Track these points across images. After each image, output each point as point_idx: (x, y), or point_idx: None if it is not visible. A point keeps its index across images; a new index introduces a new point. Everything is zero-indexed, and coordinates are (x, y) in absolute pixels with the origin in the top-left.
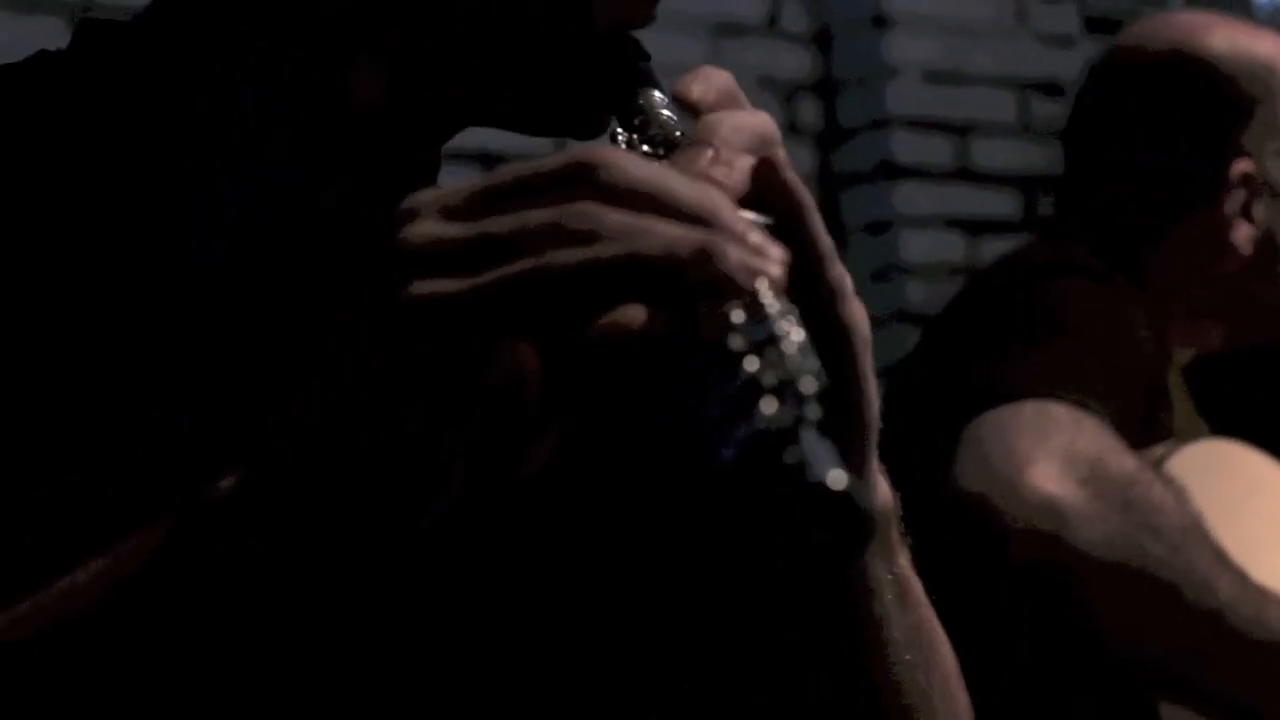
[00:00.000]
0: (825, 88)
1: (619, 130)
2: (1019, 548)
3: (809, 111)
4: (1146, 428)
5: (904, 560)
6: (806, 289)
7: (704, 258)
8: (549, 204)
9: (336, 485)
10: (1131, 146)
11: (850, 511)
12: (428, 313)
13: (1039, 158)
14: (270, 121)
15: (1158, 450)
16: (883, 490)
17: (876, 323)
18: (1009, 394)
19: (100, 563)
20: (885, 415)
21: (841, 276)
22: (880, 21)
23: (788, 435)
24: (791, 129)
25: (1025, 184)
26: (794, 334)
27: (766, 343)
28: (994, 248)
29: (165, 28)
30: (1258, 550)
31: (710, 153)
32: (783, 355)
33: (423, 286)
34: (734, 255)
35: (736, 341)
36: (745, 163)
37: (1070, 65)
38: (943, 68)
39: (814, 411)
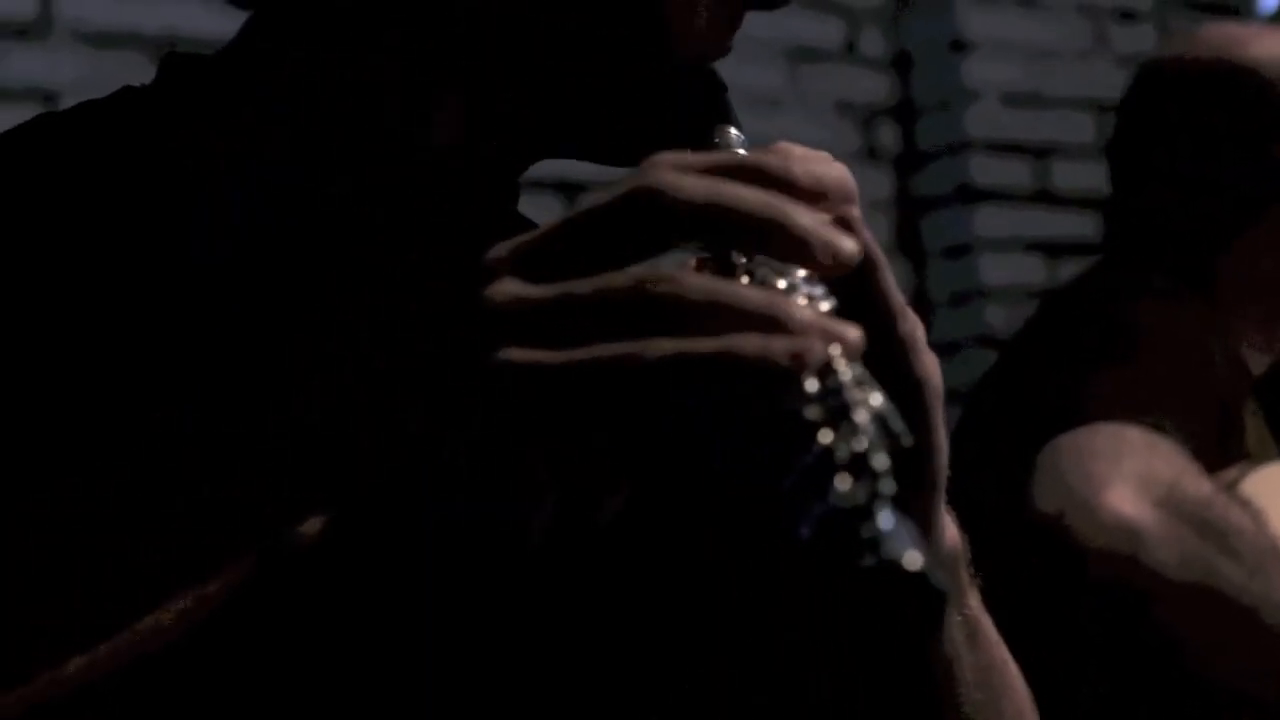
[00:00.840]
0: (904, 112)
1: None
2: (1095, 569)
3: (887, 136)
4: (1221, 450)
5: (974, 601)
6: (879, 343)
7: (799, 364)
8: (626, 251)
9: (415, 527)
10: (1178, 158)
11: (925, 591)
12: (514, 379)
13: None
14: (351, 157)
15: (1231, 473)
16: (951, 532)
17: (957, 347)
18: (1084, 417)
19: (181, 605)
20: (961, 437)
21: (913, 331)
22: (958, 45)
23: (863, 513)
24: (870, 154)
25: (1105, 205)
26: (870, 402)
27: (841, 413)
28: (1074, 270)
29: (251, 62)
30: None
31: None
32: (856, 427)
33: (510, 353)
34: (806, 321)
35: (812, 411)
36: (818, 167)
37: None
38: (1021, 90)
39: (889, 487)
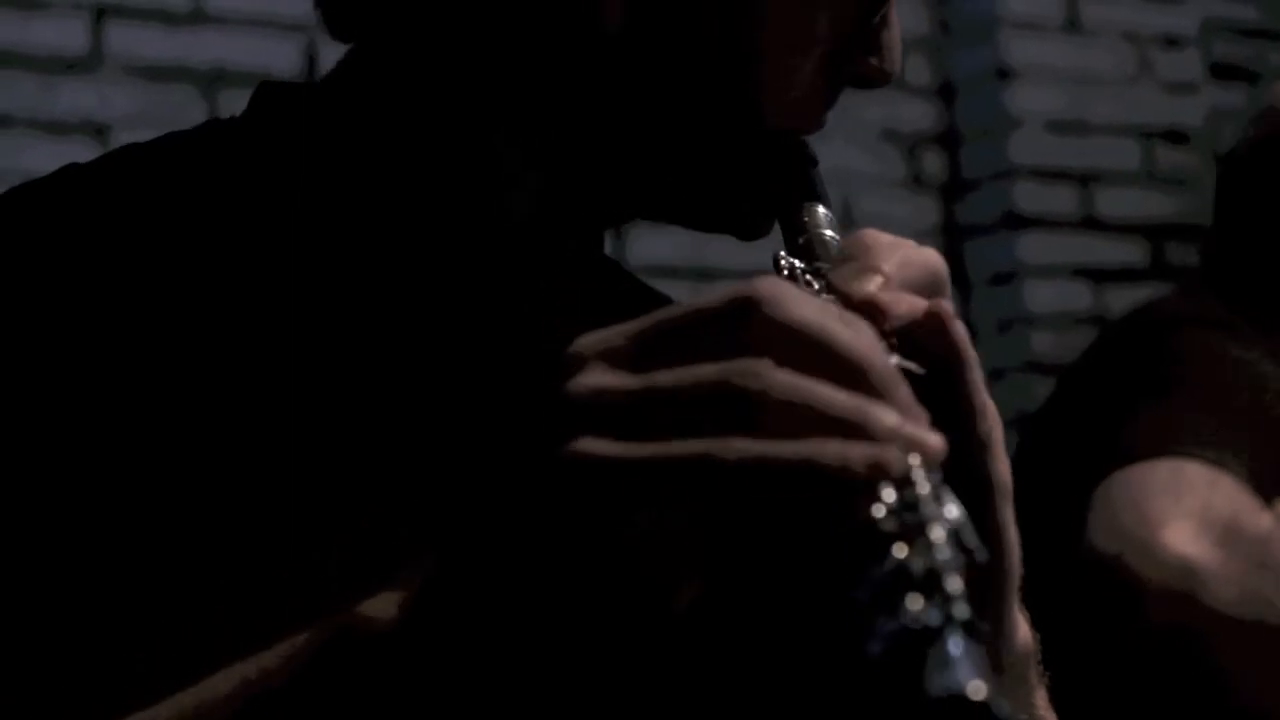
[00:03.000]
0: (949, 139)
1: (783, 255)
2: (1154, 608)
3: (933, 163)
4: None
5: (1041, 698)
6: (956, 439)
7: (877, 471)
8: (714, 352)
9: (488, 624)
10: (1276, 200)
11: None
12: (591, 472)
13: (1164, 205)
14: (436, 221)
15: None
16: (1024, 631)
17: (1003, 374)
18: (1142, 452)
19: (244, 669)
20: (1016, 470)
21: (991, 431)
22: (1003, 73)
23: (933, 635)
24: (915, 181)
25: (1151, 232)
26: (946, 515)
27: (917, 527)
28: (1121, 296)
29: (345, 102)
30: None
31: (879, 281)
32: (931, 544)
33: (587, 445)
34: (888, 428)
35: (888, 524)
36: (911, 302)
37: (1194, 112)
38: (1066, 117)
39: (961, 611)
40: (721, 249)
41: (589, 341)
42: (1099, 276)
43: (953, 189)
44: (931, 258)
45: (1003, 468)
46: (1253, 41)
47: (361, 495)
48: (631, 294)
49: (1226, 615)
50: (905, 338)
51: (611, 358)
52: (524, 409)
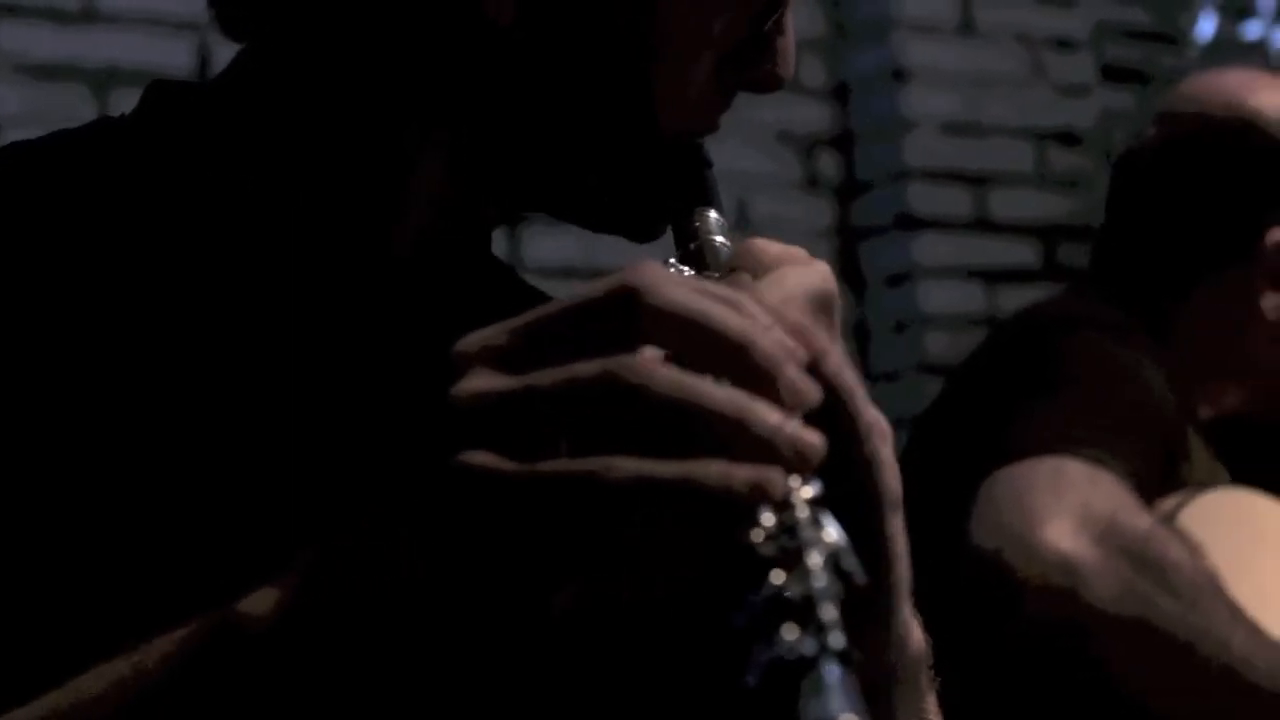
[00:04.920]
0: (843, 141)
1: (672, 262)
2: (1034, 604)
3: (827, 165)
4: (1165, 483)
5: (930, 703)
6: (842, 457)
7: (758, 493)
8: (597, 346)
9: (378, 627)
10: (1174, 204)
11: None
12: (474, 483)
13: (1057, 207)
14: (329, 220)
15: (1171, 501)
16: (915, 637)
17: (897, 375)
18: (1024, 450)
19: (120, 667)
20: (904, 469)
21: (876, 450)
22: (898, 75)
23: (808, 665)
24: (810, 182)
25: (1044, 233)
26: (825, 539)
27: (795, 552)
28: (1013, 297)
29: (238, 100)
30: (1272, 599)
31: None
32: (809, 571)
33: (473, 457)
34: (770, 427)
35: (767, 548)
36: (795, 320)
37: (1086, 114)
38: (960, 119)
39: (836, 640)
40: (615, 249)
41: (471, 341)
42: (992, 277)
43: (847, 190)
44: (815, 278)
45: (891, 479)
46: (1144, 44)
47: (242, 494)
48: (522, 296)
49: (1105, 612)
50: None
51: (493, 357)
52: (409, 412)
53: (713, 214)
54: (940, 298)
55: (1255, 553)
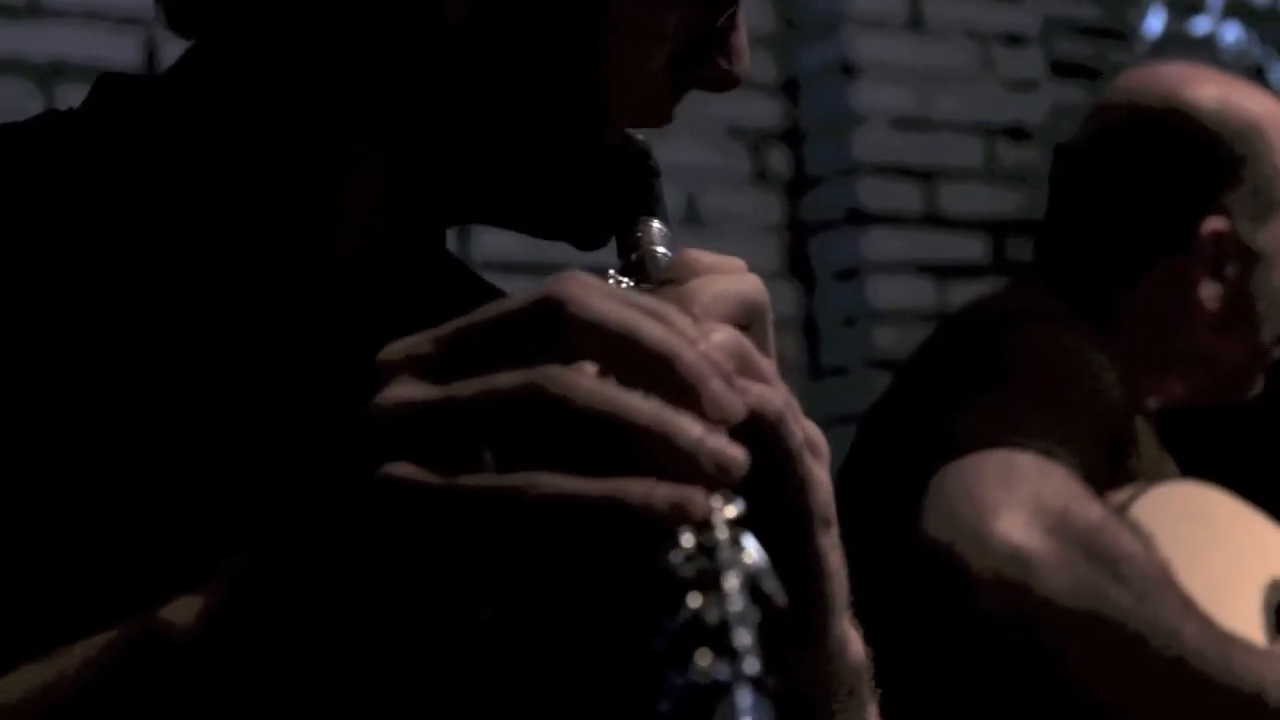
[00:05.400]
0: (793, 136)
1: (612, 272)
2: (986, 597)
3: (777, 160)
4: (1114, 473)
5: (872, 711)
6: (773, 478)
7: (679, 513)
8: (521, 356)
9: (300, 642)
10: (1113, 196)
11: None
12: (396, 495)
13: (1006, 202)
14: (269, 219)
15: (1123, 494)
16: (855, 647)
17: (846, 369)
18: (974, 443)
19: (42, 672)
20: (854, 463)
21: (808, 469)
22: (847, 70)
23: (721, 691)
24: (760, 177)
25: (993, 228)
26: (744, 561)
27: (714, 575)
28: (963, 292)
29: (185, 96)
30: (1223, 591)
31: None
32: (726, 595)
33: (395, 469)
34: (692, 440)
35: (686, 570)
36: (724, 336)
37: (1036, 109)
38: (910, 114)
39: (751, 666)
40: (565, 246)
41: (395, 349)
42: (942, 272)
43: (797, 185)
44: (748, 287)
45: (823, 496)
46: (1093, 39)
47: (166, 494)
48: (474, 295)
49: (1057, 604)
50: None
51: (417, 365)
52: (335, 420)
53: (656, 224)
54: (890, 293)
55: (1207, 545)
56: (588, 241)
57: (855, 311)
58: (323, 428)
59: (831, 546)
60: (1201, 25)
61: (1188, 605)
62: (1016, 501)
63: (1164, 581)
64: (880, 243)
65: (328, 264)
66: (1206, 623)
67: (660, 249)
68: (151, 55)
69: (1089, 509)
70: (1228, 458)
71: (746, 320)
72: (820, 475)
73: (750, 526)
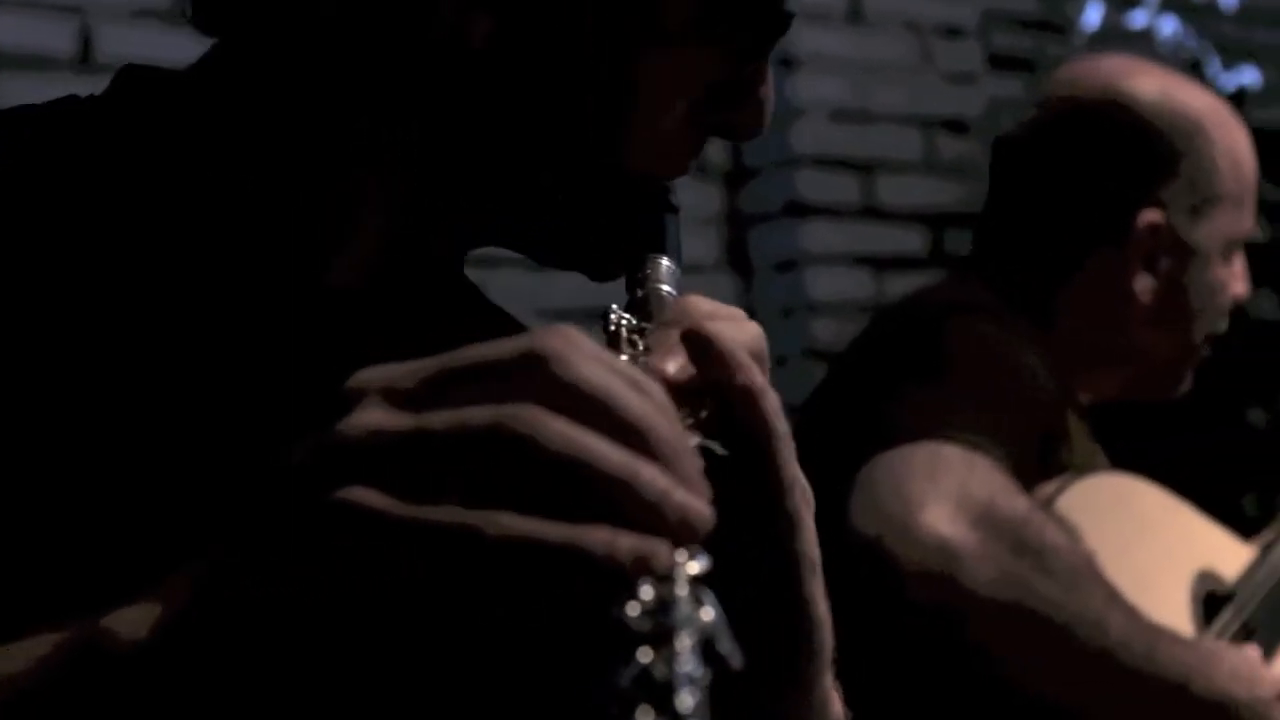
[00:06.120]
0: None
1: (614, 309)
2: (914, 589)
3: (716, 152)
4: (1045, 466)
5: None
6: (762, 514)
7: (641, 565)
8: (493, 398)
9: (245, 655)
10: (1051, 187)
11: None
12: (354, 521)
13: (945, 194)
14: (278, 237)
15: (1050, 487)
16: (835, 708)
17: (785, 360)
18: (903, 435)
19: None
20: None
21: (797, 510)
22: (786, 62)
23: None
24: (699, 169)
25: (931, 221)
26: (700, 619)
27: (668, 631)
28: (901, 284)
29: (205, 95)
30: (1150, 583)
31: (681, 362)
32: (677, 654)
33: (355, 494)
34: (658, 492)
35: (640, 623)
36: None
37: (974, 102)
38: (848, 107)
39: None
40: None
41: (369, 375)
42: (880, 264)
43: (735, 177)
44: (747, 336)
45: (811, 542)
46: (1031, 32)
47: (122, 504)
48: (486, 323)
49: (983, 596)
50: (720, 416)
51: (393, 395)
52: (299, 440)
53: (665, 262)
54: (828, 284)
55: (1133, 536)
56: (601, 273)
57: (793, 303)
58: (282, 446)
59: (819, 594)
60: (1139, 19)
61: (1113, 597)
62: (943, 494)
63: (1090, 573)
64: (819, 234)
65: (318, 293)
66: (1132, 614)
67: (666, 288)
68: (87, 44)
69: (1015, 501)
70: (1159, 449)
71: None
72: (810, 523)
73: (736, 571)
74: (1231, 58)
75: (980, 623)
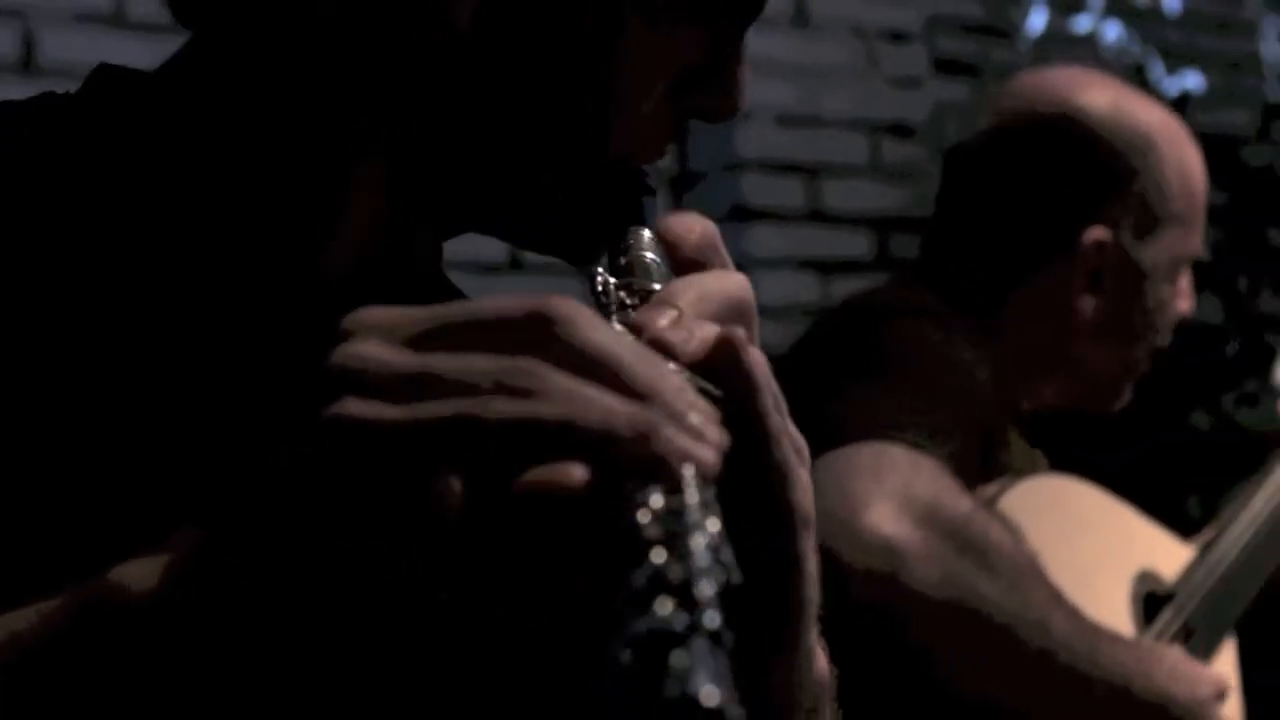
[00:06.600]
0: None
1: (599, 271)
2: (857, 588)
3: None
4: (984, 467)
5: None
6: (752, 467)
7: (640, 439)
8: (498, 351)
9: (260, 601)
10: (1002, 197)
11: None
12: (349, 434)
13: (890, 198)
14: (266, 227)
15: (991, 488)
16: (820, 664)
17: None
18: (846, 435)
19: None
20: None
21: (786, 460)
22: None
23: (678, 639)
24: None
25: (877, 224)
26: (708, 528)
27: (680, 535)
28: (846, 288)
29: (181, 91)
30: (1091, 583)
31: (672, 315)
32: (691, 552)
33: (348, 406)
34: (667, 438)
35: (652, 529)
36: (707, 332)
37: (919, 107)
38: (794, 111)
39: (710, 619)
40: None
41: (367, 314)
42: (826, 268)
43: (681, 181)
44: (733, 285)
45: (804, 496)
46: (976, 37)
47: (119, 469)
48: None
49: (927, 595)
50: (705, 369)
51: (394, 335)
52: (294, 379)
53: (646, 232)
54: (774, 288)
55: (1074, 537)
56: (582, 256)
57: None
58: (266, 391)
59: (811, 550)
60: (1083, 24)
61: (1056, 597)
62: (886, 493)
63: (1032, 573)
64: (764, 239)
65: (312, 279)
66: (1074, 614)
67: (650, 255)
68: (29, 48)
69: (958, 501)
70: (1104, 453)
71: (733, 318)
72: (803, 477)
73: (732, 523)
74: (1175, 62)
75: (923, 622)
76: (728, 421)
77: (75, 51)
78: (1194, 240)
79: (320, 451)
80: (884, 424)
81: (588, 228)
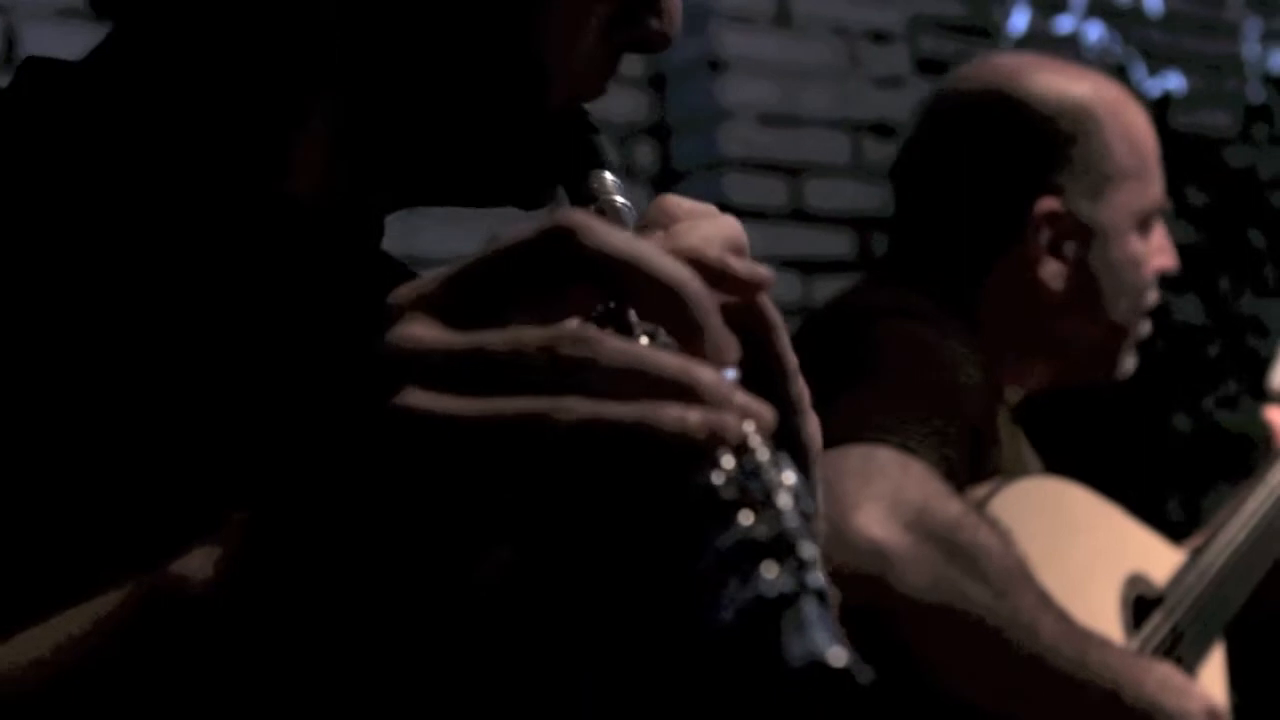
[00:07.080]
0: (660, 130)
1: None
2: (845, 592)
3: (644, 154)
4: (975, 469)
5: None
6: (774, 401)
7: (715, 441)
8: (533, 295)
9: (319, 586)
10: (954, 186)
11: (849, 687)
12: (419, 427)
13: (872, 198)
14: (207, 193)
15: (982, 490)
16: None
17: None
18: (834, 438)
19: (54, 631)
20: None
21: (802, 393)
22: (714, 65)
23: (788, 602)
24: (627, 172)
25: (859, 224)
26: (786, 483)
27: (761, 494)
28: (828, 287)
29: (112, 77)
30: (1081, 586)
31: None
32: (779, 511)
33: (414, 398)
34: (734, 403)
35: (728, 491)
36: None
37: (901, 107)
38: (776, 110)
39: (815, 579)
40: (432, 237)
41: (405, 291)
42: (808, 268)
43: (663, 180)
44: (729, 228)
45: (813, 430)
46: (958, 37)
47: (176, 461)
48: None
49: (916, 599)
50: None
51: (428, 306)
52: (345, 366)
53: (608, 175)
54: None
55: (1064, 540)
56: (533, 200)
57: None
58: (300, 375)
59: (819, 480)
60: (1065, 24)
61: (1045, 601)
62: (875, 496)
63: (1022, 577)
64: (747, 238)
65: (281, 205)
66: (1064, 618)
67: (618, 199)
68: (11, 45)
69: (948, 504)
70: (1084, 454)
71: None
72: (812, 412)
73: None
74: (1157, 63)
75: (912, 626)
76: (746, 358)
77: (58, 47)
78: (1152, 191)
79: (388, 444)
80: (873, 426)
81: (538, 170)
